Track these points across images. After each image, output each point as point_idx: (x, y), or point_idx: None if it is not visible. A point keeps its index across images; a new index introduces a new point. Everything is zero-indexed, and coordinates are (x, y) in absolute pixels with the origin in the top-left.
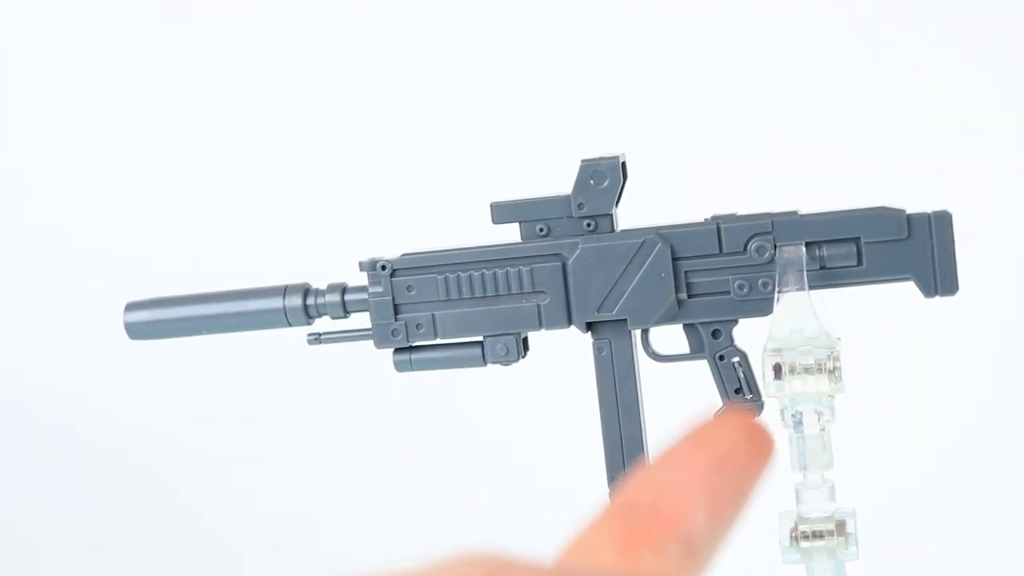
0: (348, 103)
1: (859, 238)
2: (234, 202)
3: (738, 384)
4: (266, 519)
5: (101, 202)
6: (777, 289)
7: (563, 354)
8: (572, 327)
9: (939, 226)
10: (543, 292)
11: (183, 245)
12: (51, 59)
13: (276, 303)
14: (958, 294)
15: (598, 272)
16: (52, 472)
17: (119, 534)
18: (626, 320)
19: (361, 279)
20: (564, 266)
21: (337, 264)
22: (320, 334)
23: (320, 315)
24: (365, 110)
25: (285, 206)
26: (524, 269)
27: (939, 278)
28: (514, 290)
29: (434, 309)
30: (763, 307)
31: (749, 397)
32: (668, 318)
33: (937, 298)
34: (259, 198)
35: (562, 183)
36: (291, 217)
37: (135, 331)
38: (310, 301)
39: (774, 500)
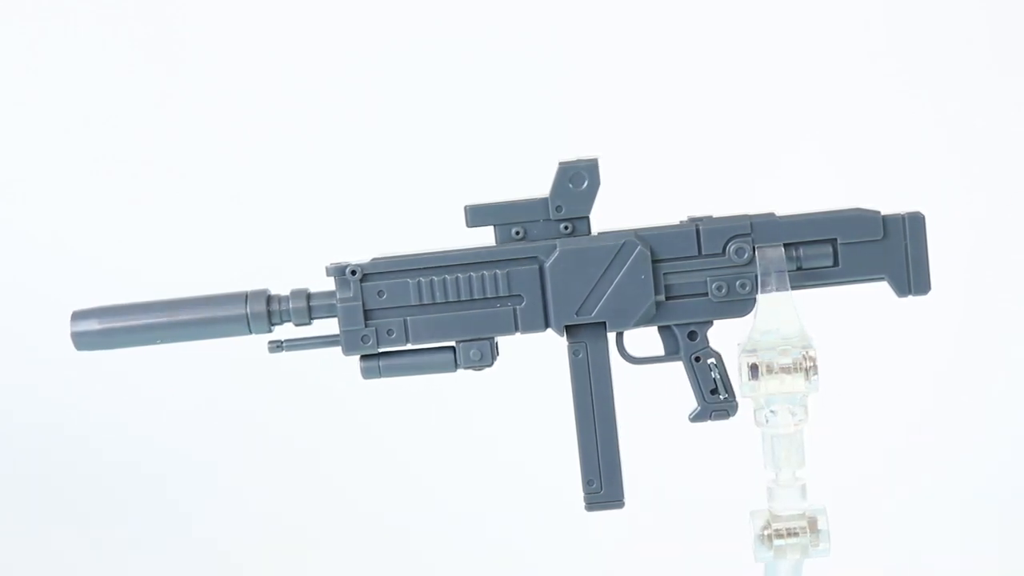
0: (315, 104)
1: (836, 239)
2: (189, 204)
3: (713, 385)
4: (252, 518)
5: (62, 203)
6: (758, 290)
7: (531, 357)
8: (548, 330)
9: (913, 227)
10: (519, 296)
11: (136, 249)
12: (16, 57)
13: (238, 310)
14: (930, 294)
15: (577, 275)
16: (43, 472)
17: (104, 533)
18: (604, 323)
19: (322, 284)
20: (541, 269)
21: (288, 269)
22: (282, 342)
23: (283, 322)
24: (331, 111)
25: (241, 209)
26: (500, 272)
27: (912, 278)
28: (489, 294)
29: (406, 314)
30: (740, 308)
31: (723, 397)
32: (647, 320)
33: (910, 297)
34: (211, 200)
35: (528, 186)
36: (245, 222)
37: (83, 342)
38: (273, 307)
39: (745, 499)
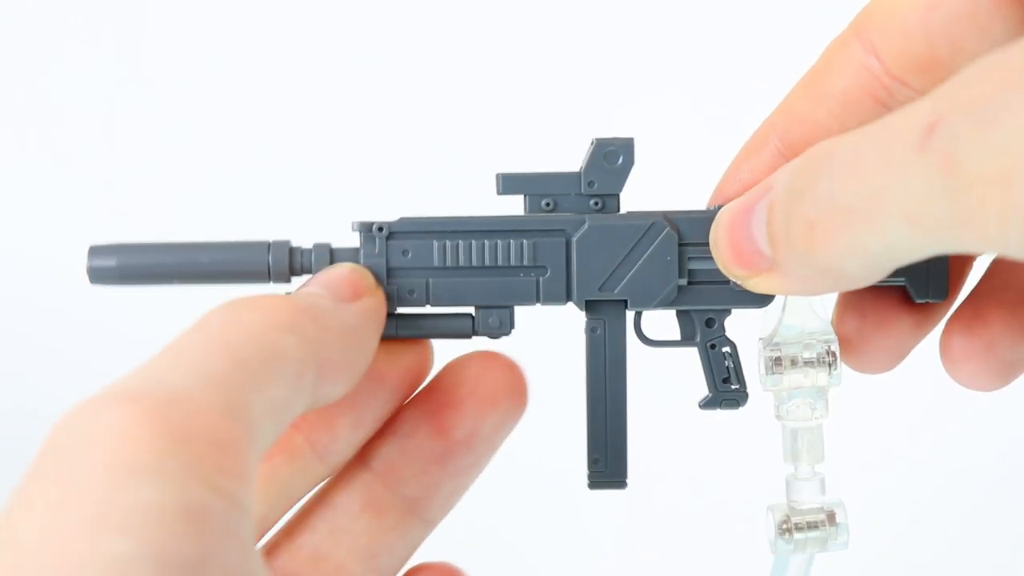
0: (350, 75)
1: None
2: (235, 178)
3: (726, 374)
4: None
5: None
6: None
7: (540, 332)
8: (568, 304)
9: None
10: (543, 267)
11: (155, 201)
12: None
13: (260, 257)
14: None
15: (603, 251)
16: None
17: None
18: (626, 301)
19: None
20: (568, 242)
21: (317, 232)
22: None
23: (302, 273)
24: (367, 83)
25: (270, 177)
26: (527, 242)
27: (931, 283)
28: (514, 262)
29: (429, 276)
30: (760, 299)
31: (735, 387)
32: (667, 302)
33: (927, 302)
34: (231, 170)
35: (557, 161)
36: (266, 188)
37: (98, 275)
38: (295, 259)
39: (761, 492)
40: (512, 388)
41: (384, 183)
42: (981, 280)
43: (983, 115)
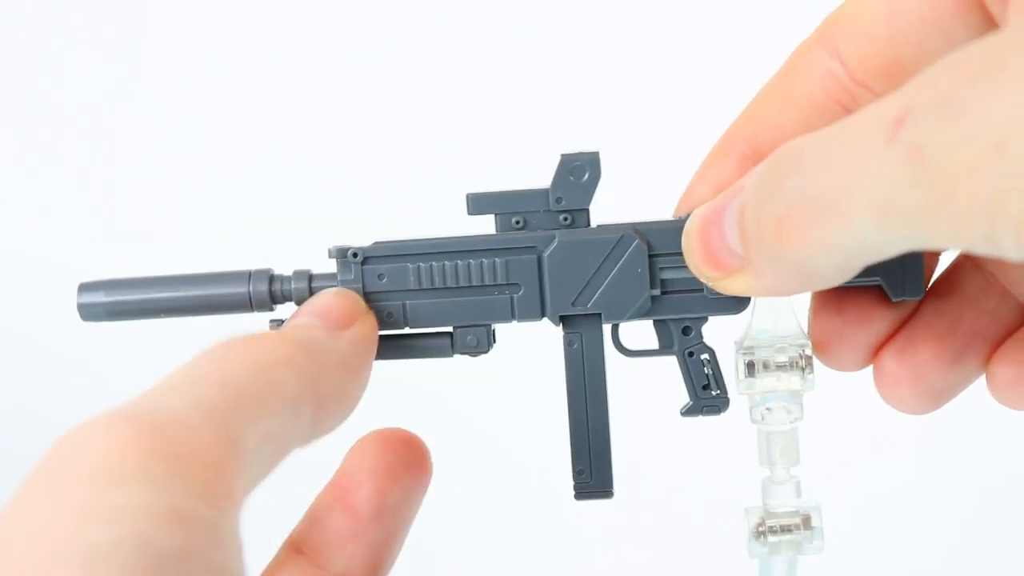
0: (349, 77)
1: None
2: (200, 191)
3: (706, 381)
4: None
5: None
6: None
7: (527, 345)
8: (544, 320)
9: None
10: (517, 284)
11: (136, 230)
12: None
13: (241, 288)
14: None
15: (574, 266)
16: None
17: None
18: (600, 315)
19: (323, 268)
20: (540, 259)
21: (295, 255)
22: (283, 320)
23: (284, 301)
24: (335, 98)
25: (245, 196)
26: (499, 261)
27: (906, 281)
28: (488, 281)
29: (406, 298)
30: (734, 305)
31: (715, 393)
32: (641, 313)
33: (903, 300)
34: (221, 186)
35: (531, 178)
36: (251, 209)
37: (89, 313)
38: (276, 287)
39: (735, 493)
40: (411, 462)
41: (384, 182)
42: (916, 307)
43: (951, 107)
